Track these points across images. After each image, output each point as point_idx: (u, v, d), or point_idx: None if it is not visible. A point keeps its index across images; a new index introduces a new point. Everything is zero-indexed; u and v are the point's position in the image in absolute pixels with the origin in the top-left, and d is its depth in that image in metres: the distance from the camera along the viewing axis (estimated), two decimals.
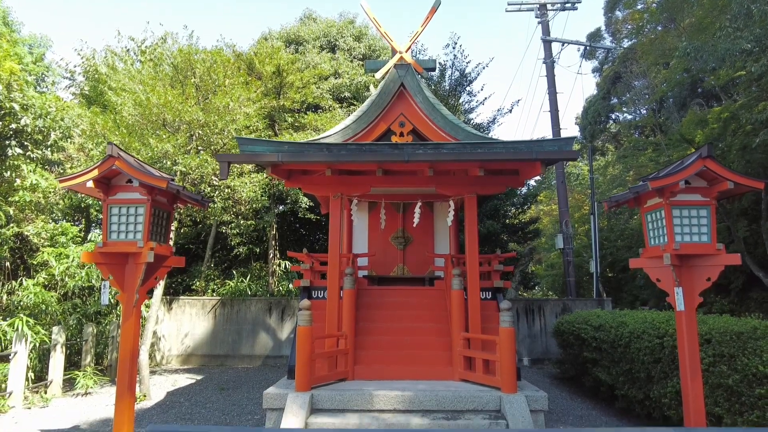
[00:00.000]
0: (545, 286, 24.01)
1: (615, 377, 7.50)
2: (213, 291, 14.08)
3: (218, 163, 10.45)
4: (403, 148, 6.47)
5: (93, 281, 11.24)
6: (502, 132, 57.63)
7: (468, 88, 18.82)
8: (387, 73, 9.29)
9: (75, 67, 19.18)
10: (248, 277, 14.17)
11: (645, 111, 19.47)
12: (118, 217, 5.03)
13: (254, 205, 12.47)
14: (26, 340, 8.23)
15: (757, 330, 5.25)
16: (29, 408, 8.09)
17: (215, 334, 12.77)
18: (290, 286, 14.05)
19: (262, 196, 12.58)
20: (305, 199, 14.03)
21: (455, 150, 6.49)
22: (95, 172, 4.91)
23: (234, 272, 14.60)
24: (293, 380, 6.25)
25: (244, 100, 11.67)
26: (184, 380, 10.42)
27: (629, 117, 21.89)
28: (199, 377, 10.78)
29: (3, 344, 8.86)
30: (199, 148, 10.68)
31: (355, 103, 18.33)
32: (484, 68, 18.90)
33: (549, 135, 17.98)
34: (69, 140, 10.22)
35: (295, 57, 16.42)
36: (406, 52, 9.34)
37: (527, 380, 7.16)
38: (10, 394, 7.87)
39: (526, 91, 56.88)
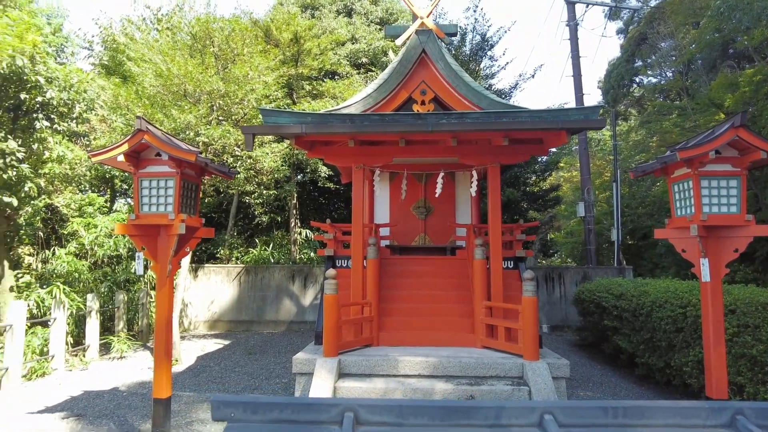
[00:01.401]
0: (564, 253, 23.96)
1: (635, 345, 7.57)
2: (237, 259, 14.40)
3: (240, 134, 10.54)
4: (427, 118, 6.43)
5: (120, 250, 11.59)
6: (524, 97, 56.50)
7: (489, 53, 18.40)
8: (408, 39, 9.12)
9: (93, 37, 19.17)
10: (271, 246, 14.43)
11: (671, 74, 18.85)
12: (149, 190, 5.14)
13: (275, 175, 12.58)
14: (64, 307, 8.59)
15: None
16: (70, 370, 8.52)
17: (240, 300, 13.13)
18: (312, 254, 14.29)
19: (282, 165, 12.66)
20: (324, 169, 14.10)
21: (480, 119, 6.42)
22: (125, 146, 5.00)
23: (257, 240, 14.88)
24: (320, 346, 6.45)
25: (263, 69, 11.61)
26: (213, 345, 10.81)
27: (654, 80, 21.20)
28: (226, 342, 11.17)
29: (42, 310, 9.27)
30: (220, 118, 10.73)
31: (372, 68, 18.08)
32: (506, 32, 18.41)
33: (571, 100, 17.60)
34: (92, 112, 10.33)
35: (311, 23, 16.16)
36: (428, 17, 9.13)
37: (548, 347, 7.27)
38: (53, 357, 8.29)
39: (549, 55, 55.24)
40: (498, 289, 6.79)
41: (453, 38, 17.75)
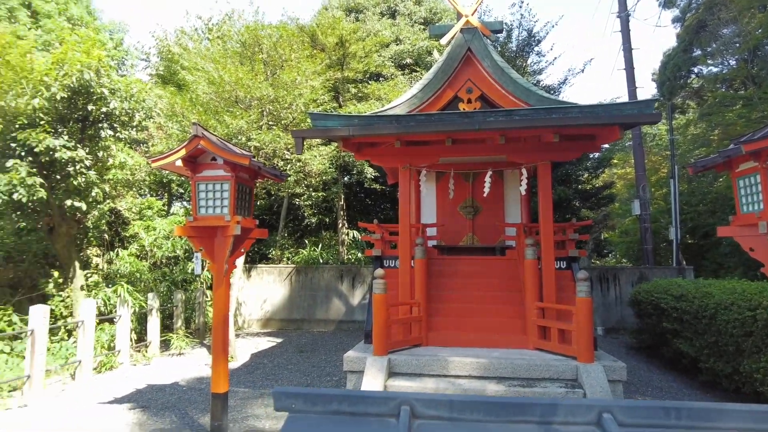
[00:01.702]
0: (619, 253, 23.06)
1: (699, 349, 7.20)
2: (287, 259, 14.76)
3: (289, 138, 10.82)
4: (473, 116, 6.38)
5: (177, 251, 12.15)
6: (573, 93, 54.84)
7: (536, 49, 18.01)
8: (453, 38, 9.08)
9: (150, 49, 20.23)
10: (319, 246, 14.71)
11: (734, 62, 17.77)
12: (206, 193, 5.37)
13: (323, 177, 12.82)
14: (128, 305, 9.10)
15: None
16: (135, 365, 9.00)
17: (291, 299, 13.45)
18: (359, 254, 14.45)
19: (330, 168, 12.88)
20: (370, 170, 14.23)
21: (528, 116, 6.32)
22: (183, 152, 5.24)
23: (306, 241, 15.20)
24: (370, 345, 6.52)
25: (310, 74, 11.87)
26: (266, 343, 11.13)
27: (715, 70, 20.04)
28: (278, 340, 11.47)
29: (108, 308, 9.86)
30: (270, 123, 11.04)
31: (417, 69, 18.08)
32: (553, 27, 18.00)
33: (623, 94, 16.93)
34: (150, 120, 10.88)
35: (356, 26, 16.35)
36: (472, 15, 9.05)
37: (603, 350, 7.04)
38: (119, 352, 8.80)
39: (598, 48, 53.37)
40: (550, 290, 6.64)
41: (498, 35, 17.51)
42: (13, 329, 8.79)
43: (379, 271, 6.17)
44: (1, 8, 13.81)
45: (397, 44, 18.66)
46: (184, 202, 15.52)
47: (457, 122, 6.26)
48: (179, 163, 5.23)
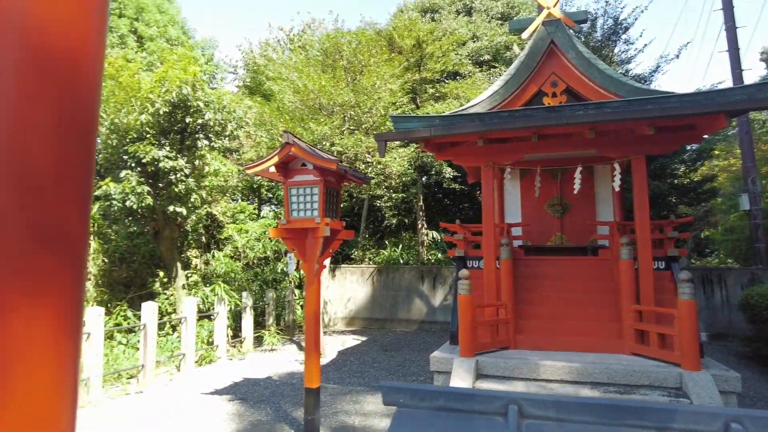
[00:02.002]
0: (722, 253, 21.08)
1: None
2: (369, 259, 15.06)
3: (370, 142, 11.05)
4: (561, 111, 6.16)
5: (268, 253, 12.82)
6: (667, 81, 50.95)
7: (624, 36, 16.95)
8: (534, 31, 8.81)
9: (237, 62, 21.49)
10: (400, 247, 14.85)
11: None
12: (297, 197, 5.64)
13: (403, 179, 12.94)
14: (224, 303, 9.74)
15: None
16: (231, 359, 9.62)
17: (374, 299, 13.71)
18: (439, 255, 14.42)
19: (408, 169, 12.98)
20: (449, 170, 14.15)
21: (621, 108, 5.99)
22: (276, 159, 5.54)
23: (386, 242, 15.42)
24: (456, 345, 6.49)
25: (389, 77, 12.05)
26: (351, 341, 11.43)
27: None
28: (363, 338, 11.73)
29: (206, 306, 10.62)
30: (351, 128, 11.35)
31: (495, 65, 17.72)
32: (642, 12, 16.82)
33: (726, 78, 15.46)
34: (241, 129, 11.57)
35: (432, 26, 16.34)
36: (554, 6, 8.73)
37: (710, 357, 6.49)
38: (217, 347, 9.45)
39: (695, 31, 49.16)
40: (648, 292, 6.24)
41: (582, 25, 16.72)
42: (128, 323, 9.72)
43: (464, 272, 6.13)
44: (114, 36, 15.33)
45: (474, 41, 18.41)
46: (272, 206, 16.34)
47: (543, 117, 6.07)
48: (273, 169, 5.54)
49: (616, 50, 17.05)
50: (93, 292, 10.94)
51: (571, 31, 8.90)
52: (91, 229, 10.93)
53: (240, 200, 15.34)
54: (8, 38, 0.90)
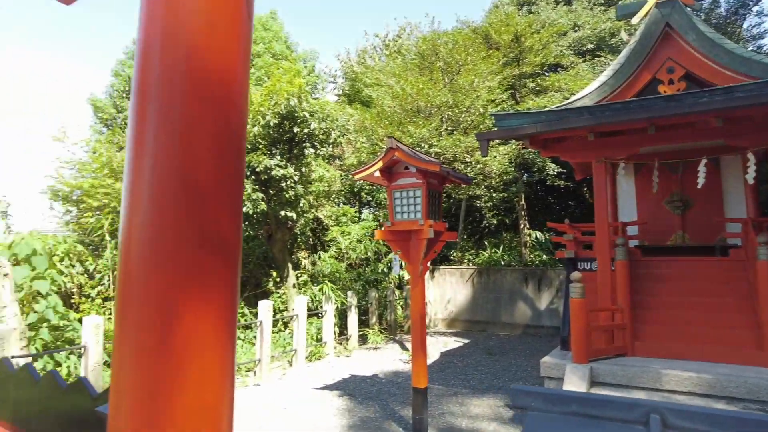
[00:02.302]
0: None
1: None
2: (468, 261, 14.89)
3: (469, 141, 10.94)
4: (682, 99, 5.66)
5: (369, 254, 13.19)
6: None
7: (755, 8, 15.11)
8: (646, 15, 8.18)
9: (336, 71, 22.34)
10: (500, 248, 14.51)
11: None
12: (400, 200, 5.76)
13: (504, 177, 12.64)
14: (332, 302, 10.19)
15: None
16: (338, 356, 10.03)
17: (474, 301, 13.53)
18: (543, 256, 13.86)
19: (509, 167, 12.66)
20: (552, 166, 13.57)
21: (756, 91, 5.36)
22: (380, 164, 5.70)
23: (486, 243, 15.14)
24: (567, 351, 6.23)
25: (486, 75, 11.85)
26: (453, 343, 11.39)
27: None
28: (465, 341, 11.64)
29: (314, 304, 11.18)
30: (449, 128, 11.32)
31: (599, 54, 16.68)
32: None
33: None
34: (344, 137, 12.02)
35: (530, 19, 15.76)
36: None
37: None
38: (325, 343, 9.91)
39: None
40: None
41: (702, 2, 15.17)
42: (246, 320, 10.53)
43: (576, 274, 5.85)
44: None
45: (576, 31, 17.46)
46: (371, 208, 16.78)
47: (661, 107, 5.62)
48: (377, 173, 5.71)
49: (744, 25, 15.30)
50: None
51: (689, 9, 8.14)
52: None
53: (342, 204, 15.94)
54: (176, 73, 1.05)
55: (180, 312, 1.01)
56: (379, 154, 11.98)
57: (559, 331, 9.54)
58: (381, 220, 14.59)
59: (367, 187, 14.83)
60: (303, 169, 11.70)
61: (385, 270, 13.66)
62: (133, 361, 0.99)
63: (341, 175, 12.95)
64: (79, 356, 7.14)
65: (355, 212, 14.63)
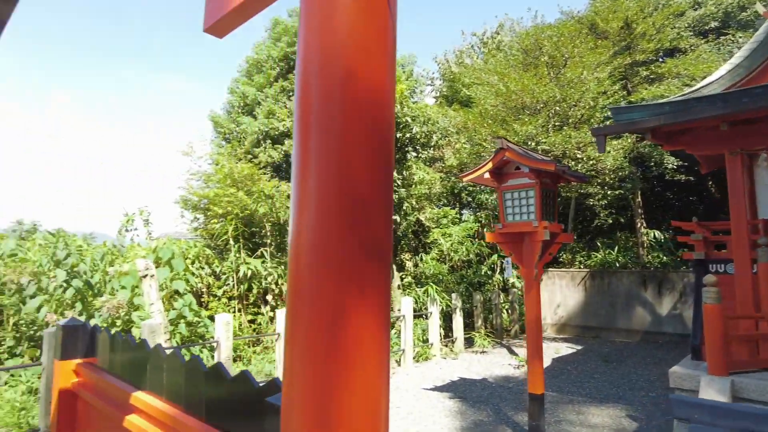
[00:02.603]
0: None
1: None
2: (579, 263, 14.16)
3: (580, 137, 10.42)
4: None
5: (470, 255, 13.05)
6: None
7: None
8: None
9: (433, 73, 22.39)
10: (615, 249, 13.61)
11: None
12: (511, 201, 5.66)
13: (619, 173, 11.84)
14: (437, 304, 10.25)
15: None
16: (444, 358, 10.06)
17: (587, 305, 12.83)
18: (663, 257, 12.79)
19: (624, 162, 11.83)
20: (671, 159, 12.48)
21: None
22: (490, 165, 5.65)
23: (598, 243, 14.29)
24: (698, 361, 5.72)
25: (594, 66, 11.20)
26: (565, 349, 10.91)
27: None
28: (577, 347, 11.09)
29: (417, 305, 11.30)
30: (557, 124, 10.86)
31: (725, 31, 15.05)
32: None
33: None
34: (446, 139, 12.04)
35: (642, 2, 14.62)
36: None
37: None
38: (431, 345, 9.99)
39: None
40: None
41: None
42: None
43: (710, 278, 5.34)
44: None
45: (695, 9, 15.88)
46: (472, 210, 16.56)
47: None
48: (487, 175, 5.67)
49: None
50: None
51: None
52: None
53: (442, 205, 15.93)
54: (336, 92, 1.15)
55: (346, 314, 1.09)
56: (483, 154, 11.83)
57: (687, 339, 8.77)
58: (482, 221, 14.36)
59: (472, 188, 14.66)
60: (405, 173, 11.91)
61: (488, 272, 13.42)
62: (304, 361, 1.06)
63: (441, 177, 12.94)
64: (211, 350, 7.91)
65: (456, 214, 14.55)
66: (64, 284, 7.70)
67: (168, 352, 2.10)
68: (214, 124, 15.38)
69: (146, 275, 7.26)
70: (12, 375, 6.96)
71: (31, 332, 7.57)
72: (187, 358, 1.96)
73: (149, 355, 2.17)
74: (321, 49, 1.15)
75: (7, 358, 7.33)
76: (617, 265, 13.07)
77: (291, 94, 14.21)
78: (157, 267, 8.36)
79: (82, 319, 6.46)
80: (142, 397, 2.08)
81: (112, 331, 2.88)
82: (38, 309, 7.34)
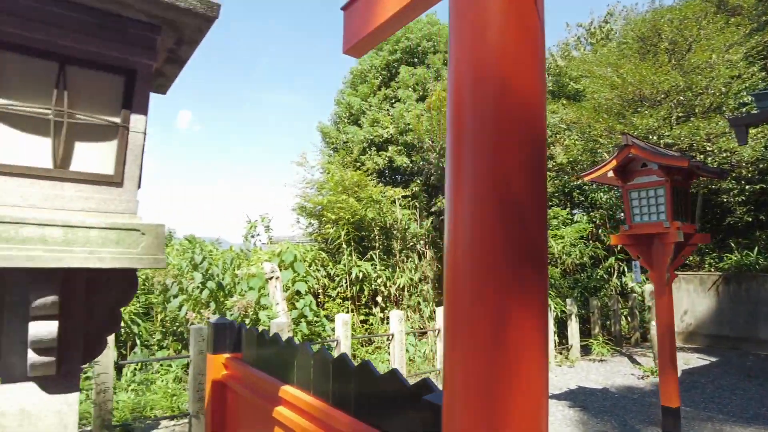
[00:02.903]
0: None
1: None
2: (709, 265, 12.83)
3: (710, 127, 9.46)
4: None
5: (584, 258, 12.38)
6: None
7: None
8: None
9: None
10: (754, 250, 12.14)
11: None
12: (638, 201, 5.34)
13: (760, 165, 10.53)
14: (551, 309, 9.88)
15: None
16: (559, 366, 9.66)
17: (719, 313, 11.59)
18: None
19: (765, 153, 10.52)
20: None
21: None
22: (613, 163, 5.38)
23: (732, 244, 12.84)
24: None
25: (726, 48, 10.09)
26: (695, 360, 9.96)
27: None
28: (711, 359, 10.06)
29: None
30: (680, 115, 9.97)
31: None
32: None
33: None
34: (555, 135, 11.58)
35: None
36: None
37: None
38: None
39: None
40: None
41: None
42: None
43: None
44: (431, 71, 17.43)
45: None
46: (584, 210, 15.69)
47: None
48: (610, 174, 5.40)
49: None
50: (432, 293, 12.70)
51: None
52: (426, 240, 12.71)
53: (553, 206, 15.28)
54: (488, 104, 1.19)
55: (507, 317, 1.12)
56: (599, 151, 11.17)
57: None
58: (596, 222, 13.57)
59: (585, 186, 13.91)
60: None
61: (604, 276, 12.64)
62: (467, 363, 1.11)
63: (551, 176, 12.42)
64: (329, 348, 8.35)
65: (567, 214, 13.88)
66: (201, 285, 8.57)
67: (314, 349, 2.27)
68: (323, 135, 16.19)
69: (272, 277, 7.87)
70: (161, 365, 7.90)
71: (174, 328, 8.54)
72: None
73: (295, 352, 2.35)
74: (473, 62, 1.19)
75: (157, 350, 8.34)
76: (757, 267, 11.64)
77: (394, 101, 14.55)
78: (280, 270, 9.03)
79: (216, 317, 7.17)
80: (289, 390, 2.24)
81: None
82: (179, 307, 8.25)
